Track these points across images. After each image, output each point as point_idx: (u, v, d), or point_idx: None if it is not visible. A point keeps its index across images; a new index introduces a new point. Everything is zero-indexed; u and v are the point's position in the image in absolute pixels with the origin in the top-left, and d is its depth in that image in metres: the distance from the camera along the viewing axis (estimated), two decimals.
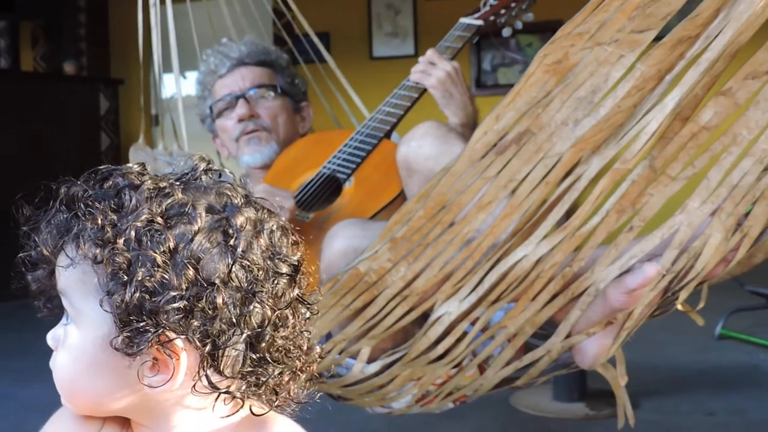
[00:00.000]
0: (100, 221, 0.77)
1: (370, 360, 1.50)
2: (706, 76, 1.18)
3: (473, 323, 1.42)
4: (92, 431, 0.86)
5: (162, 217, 0.77)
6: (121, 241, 0.76)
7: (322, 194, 2.01)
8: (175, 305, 0.75)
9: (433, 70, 2.09)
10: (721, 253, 1.30)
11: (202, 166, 0.84)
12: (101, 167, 0.82)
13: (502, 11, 2.21)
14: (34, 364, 3.62)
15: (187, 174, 0.84)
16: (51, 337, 0.84)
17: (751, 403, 3.03)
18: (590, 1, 1.18)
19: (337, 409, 1.86)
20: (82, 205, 0.78)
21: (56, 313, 0.85)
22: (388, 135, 2.10)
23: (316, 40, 2.62)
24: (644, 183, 1.27)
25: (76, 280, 0.79)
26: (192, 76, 2.57)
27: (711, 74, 1.18)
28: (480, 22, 2.18)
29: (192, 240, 0.77)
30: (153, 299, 0.75)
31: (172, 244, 0.76)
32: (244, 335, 0.78)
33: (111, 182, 0.80)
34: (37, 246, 0.81)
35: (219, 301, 0.76)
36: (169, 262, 0.76)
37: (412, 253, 1.33)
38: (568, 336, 1.39)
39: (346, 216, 1.79)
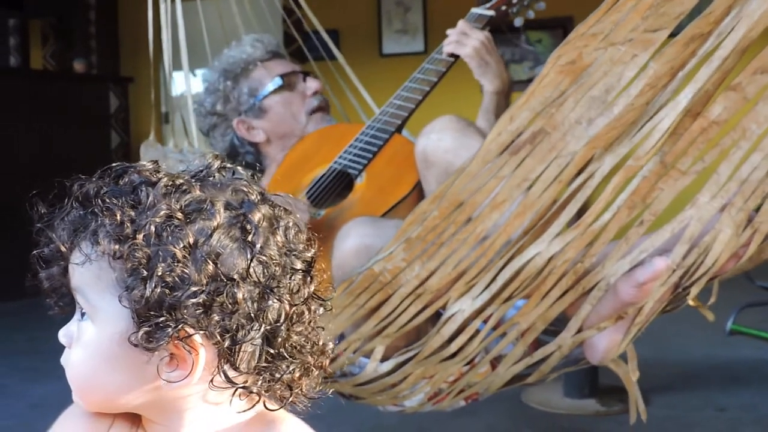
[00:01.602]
0: (118, 217, 0.77)
1: (383, 359, 1.50)
2: (718, 72, 1.18)
3: (486, 321, 1.42)
4: (103, 428, 0.86)
5: (181, 213, 0.77)
6: (140, 236, 0.76)
7: (333, 190, 2.01)
8: (195, 300, 0.75)
9: (467, 39, 2.10)
10: (732, 248, 1.30)
11: (217, 164, 0.85)
12: (114, 164, 0.82)
13: (514, 1, 2.20)
14: (43, 362, 3.64)
15: (202, 171, 0.84)
16: (63, 334, 0.84)
17: (763, 398, 3.03)
18: (604, 1, 1.18)
19: (351, 406, 1.87)
20: (99, 201, 0.78)
21: (68, 310, 0.85)
22: (400, 129, 2.10)
23: (326, 37, 2.62)
24: (655, 178, 1.27)
25: (92, 276, 0.79)
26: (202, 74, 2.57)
27: (722, 70, 1.19)
28: (491, 13, 2.17)
29: (211, 236, 0.77)
30: (173, 294, 0.75)
31: (191, 240, 0.76)
32: (262, 330, 0.79)
33: (126, 179, 0.80)
34: (51, 243, 0.81)
35: (239, 296, 0.77)
36: (189, 257, 0.76)
37: (427, 252, 1.33)
38: (578, 331, 1.39)
39: (357, 213, 1.79)
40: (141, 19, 2.46)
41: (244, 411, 0.84)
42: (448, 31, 2.13)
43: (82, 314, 0.82)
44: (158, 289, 0.75)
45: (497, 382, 1.54)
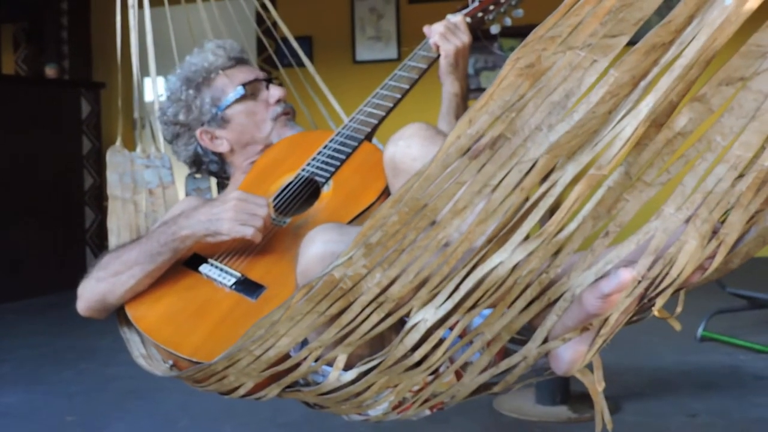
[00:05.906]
0: None
1: (347, 367, 1.49)
2: (681, 83, 1.18)
3: (451, 329, 1.41)
4: None
5: None
6: None
7: (300, 198, 2.00)
8: None
9: (454, 37, 2.10)
10: (697, 260, 1.30)
11: None
12: None
13: (491, 7, 2.21)
14: (10, 370, 3.59)
15: None
16: None
17: (733, 404, 3.05)
18: (562, 4, 1.17)
19: (320, 415, 1.85)
20: None
21: None
22: (369, 136, 2.08)
23: (295, 44, 2.61)
24: (620, 190, 1.26)
25: None
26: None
27: (686, 81, 1.18)
28: (467, 20, 2.17)
29: None
30: None
31: None
32: None
33: None
34: None
35: None
36: None
37: (387, 259, 1.31)
38: (544, 342, 1.38)
39: (323, 221, 1.78)
40: (113, 25, 2.44)
41: None
42: (439, 23, 2.13)
43: None
44: None
45: (463, 391, 1.53)
